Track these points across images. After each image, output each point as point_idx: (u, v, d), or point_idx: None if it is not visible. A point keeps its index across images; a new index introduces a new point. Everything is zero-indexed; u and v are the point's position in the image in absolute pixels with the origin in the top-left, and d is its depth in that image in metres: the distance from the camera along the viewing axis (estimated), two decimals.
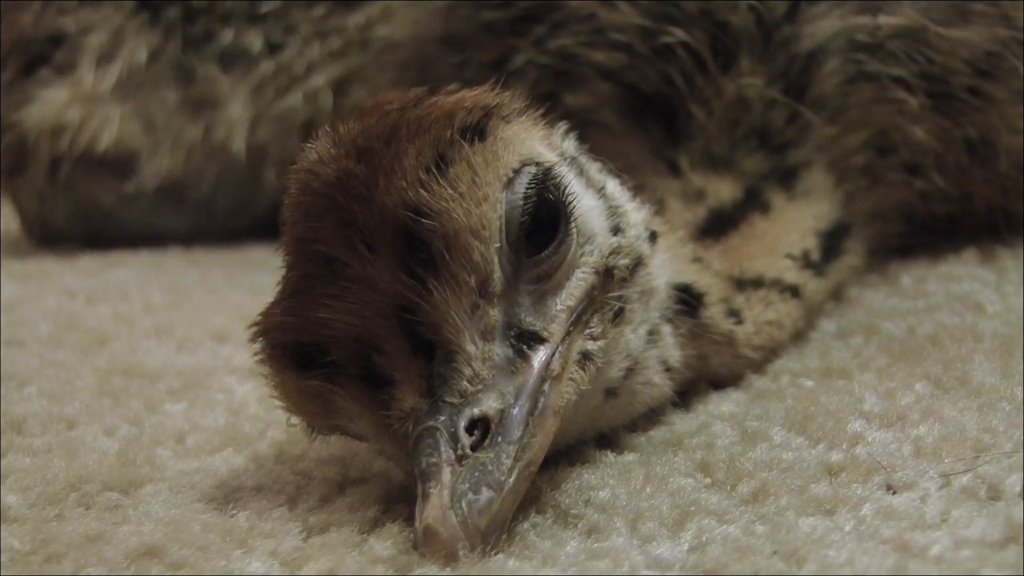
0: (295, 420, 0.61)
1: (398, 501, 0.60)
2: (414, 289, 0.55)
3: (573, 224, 0.60)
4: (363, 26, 1.46)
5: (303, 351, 0.58)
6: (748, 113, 0.91)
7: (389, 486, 0.62)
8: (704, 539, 0.52)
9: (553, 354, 0.57)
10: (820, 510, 0.55)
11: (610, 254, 0.62)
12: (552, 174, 0.59)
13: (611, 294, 0.62)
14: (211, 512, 0.60)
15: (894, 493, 0.55)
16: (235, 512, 0.59)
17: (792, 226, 0.86)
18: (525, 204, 0.57)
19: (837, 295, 0.92)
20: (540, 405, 0.55)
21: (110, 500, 0.63)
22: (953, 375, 0.70)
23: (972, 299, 0.88)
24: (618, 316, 0.63)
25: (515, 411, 0.54)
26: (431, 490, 0.51)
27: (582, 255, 0.60)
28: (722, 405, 0.71)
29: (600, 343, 0.61)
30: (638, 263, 0.65)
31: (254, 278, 1.27)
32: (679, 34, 0.93)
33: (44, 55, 1.53)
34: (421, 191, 0.55)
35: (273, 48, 1.51)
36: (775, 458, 0.61)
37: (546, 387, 0.56)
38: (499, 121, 0.60)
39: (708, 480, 0.59)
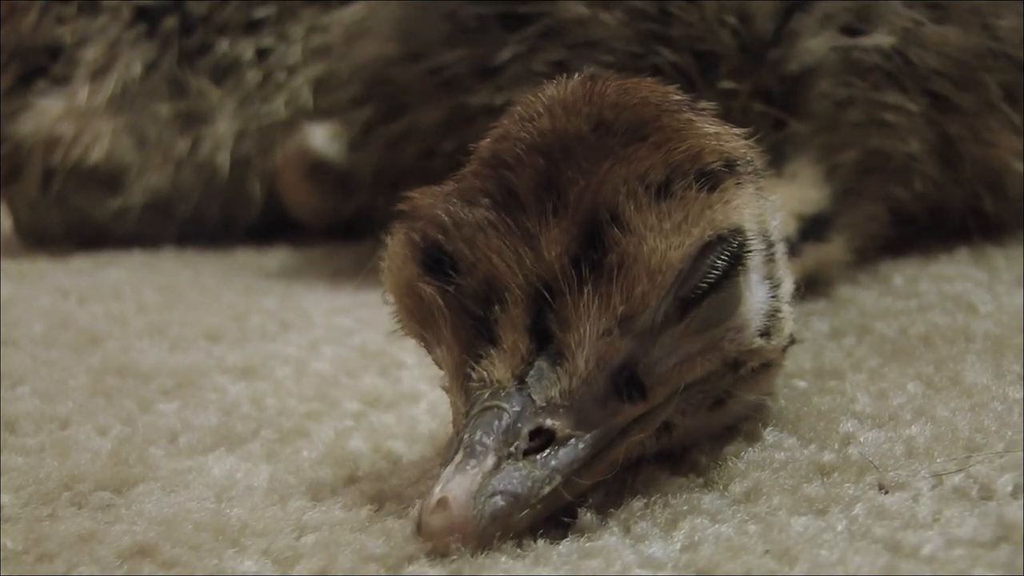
0: (390, 300, 0.59)
1: (390, 500, 0.60)
2: (568, 280, 0.53)
3: (735, 312, 0.58)
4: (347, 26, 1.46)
5: (437, 255, 0.56)
6: (731, 120, 0.91)
7: (382, 485, 0.62)
8: (696, 538, 0.52)
9: (643, 414, 0.56)
10: (812, 509, 0.55)
11: (748, 352, 0.59)
12: (746, 255, 0.57)
13: (723, 385, 0.60)
14: (203, 511, 0.59)
15: (886, 493, 0.55)
16: (227, 511, 0.59)
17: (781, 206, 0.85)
18: (708, 273, 0.55)
19: (828, 294, 0.92)
20: (602, 454, 0.54)
21: (103, 499, 0.62)
22: (945, 375, 0.70)
23: (964, 299, 0.88)
24: (717, 405, 0.61)
25: (580, 446, 0.53)
26: (468, 468, 0.50)
27: (724, 339, 0.58)
28: None
29: (687, 421, 0.59)
30: (766, 367, 0.62)
31: (247, 278, 1.27)
32: (668, 55, 0.93)
33: (42, 66, 1.53)
34: (630, 203, 0.53)
35: (262, 54, 1.51)
36: (767, 458, 0.61)
37: (618, 439, 0.55)
38: (734, 182, 0.57)
39: (701, 480, 0.59)
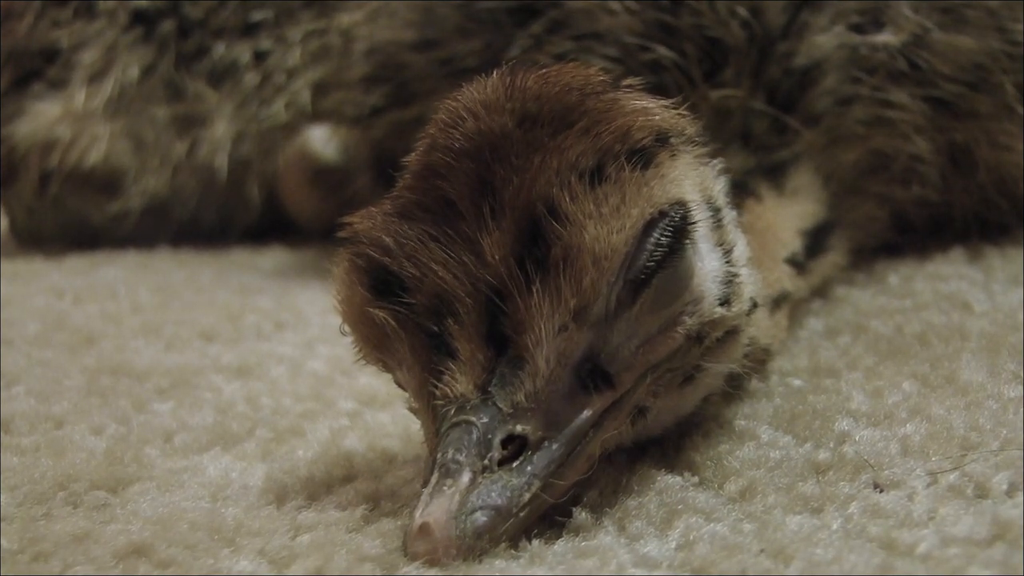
0: (347, 330, 0.59)
1: (386, 499, 0.60)
2: (516, 281, 0.53)
3: (688, 284, 0.58)
4: (346, 29, 1.46)
5: (384, 277, 0.55)
6: (730, 120, 0.91)
7: (377, 484, 0.62)
8: (691, 537, 0.52)
9: (613, 403, 0.56)
10: (807, 508, 0.55)
11: (709, 323, 0.59)
12: (689, 227, 0.57)
13: (690, 359, 0.60)
14: (199, 511, 0.59)
15: (881, 491, 0.55)
16: (223, 511, 0.59)
17: (785, 223, 0.85)
18: (655, 251, 0.55)
19: (824, 293, 0.92)
20: (578, 450, 0.54)
21: (98, 499, 0.62)
22: (940, 374, 0.71)
23: (959, 298, 0.88)
24: (687, 381, 0.61)
25: (554, 446, 0.53)
26: (445, 488, 0.50)
27: (682, 314, 0.58)
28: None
29: (660, 401, 0.59)
30: (730, 334, 0.62)
31: (242, 278, 1.27)
32: (665, 52, 0.92)
33: (38, 70, 1.53)
34: (565, 194, 0.53)
35: (259, 57, 1.51)
36: (762, 456, 0.61)
37: (591, 433, 0.55)
38: (668, 154, 0.57)
39: (696, 478, 0.59)
